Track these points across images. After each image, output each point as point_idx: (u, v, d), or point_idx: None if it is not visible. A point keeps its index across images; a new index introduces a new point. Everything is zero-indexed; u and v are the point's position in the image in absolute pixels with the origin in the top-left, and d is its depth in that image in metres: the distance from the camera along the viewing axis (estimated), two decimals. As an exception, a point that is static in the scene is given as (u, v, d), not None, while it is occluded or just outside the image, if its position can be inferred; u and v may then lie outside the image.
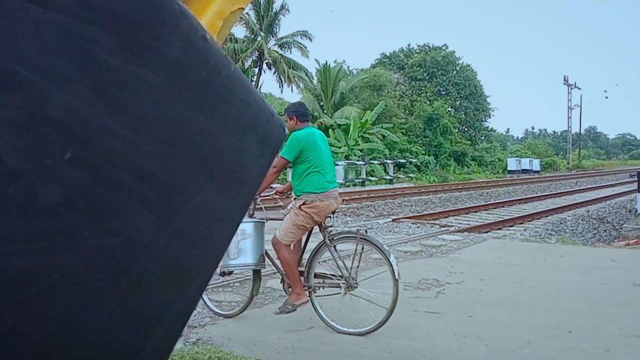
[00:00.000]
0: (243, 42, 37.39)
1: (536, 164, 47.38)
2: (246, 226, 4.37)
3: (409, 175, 30.26)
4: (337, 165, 24.70)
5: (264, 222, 4.58)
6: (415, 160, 31.95)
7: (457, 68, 45.33)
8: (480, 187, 26.39)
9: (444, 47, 46.74)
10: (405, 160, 30.37)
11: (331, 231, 4.55)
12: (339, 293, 4.43)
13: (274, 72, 38.29)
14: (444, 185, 27.18)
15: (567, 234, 10.91)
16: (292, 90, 38.11)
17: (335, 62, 37.71)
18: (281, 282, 4.76)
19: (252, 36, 38.22)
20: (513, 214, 14.39)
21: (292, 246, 4.54)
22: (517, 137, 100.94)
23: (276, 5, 37.51)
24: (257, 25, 37.81)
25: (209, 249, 0.99)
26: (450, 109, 43.01)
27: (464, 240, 9.03)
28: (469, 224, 11.74)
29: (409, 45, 49.48)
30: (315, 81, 37.79)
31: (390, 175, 27.56)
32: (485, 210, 15.49)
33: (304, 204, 4.33)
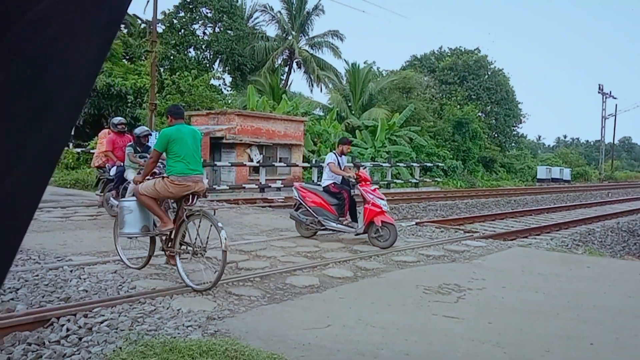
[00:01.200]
0: (274, 41, 37.61)
1: (567, 173, 46.44)
2: (130, 204, 5.85)
3: (436, 179, 29.99)
4: (363, 166, 24.66)
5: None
6: (443, 164, 31.65)
7: (489, 72, 44.78)
8: (508, 194, 25.99)
9: (476, 51, 46.21)
10: (432, 164, 30.14)
11: (189, 209, 5.68)
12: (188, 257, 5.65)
13: (304, 72, 38.45)
14: (470, 190, 26.85)
15: (595, 245, 10.68)
16: (321, 90, 38.17)
17: (365, 62, 37.64)
18: (162, 249, 5.97)
19: (284, 35, 38.43)
20: (540, 222, 14.15)
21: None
22: (548, 145, 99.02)
23: (309, 5, 37.65)
24: (289, 24, 38.00)
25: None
26: (480, 114, 42.49)
27: (488, 246, 8.92)
28: (494, 231, 11.59)
29: (440, 48, 49.11)
30: (344, 81, 37.77)
31: (416, 179, 27.37)
32: (512, 217, 15.26)
33: (167, 177, 5.68)
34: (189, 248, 5.63)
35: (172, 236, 5.75)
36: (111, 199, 9.54)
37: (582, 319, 4.94)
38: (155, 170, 6.31)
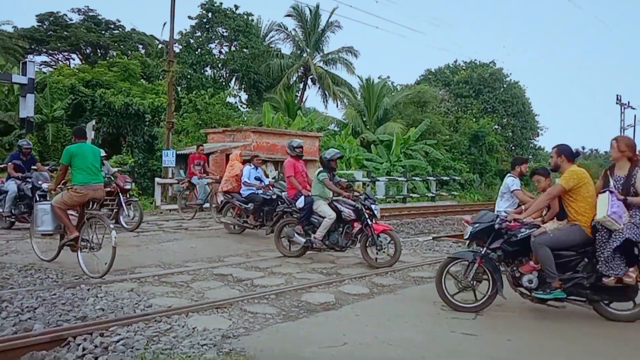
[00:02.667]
0: (289, 58, 37.94)
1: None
2: (46, 207, 7.17)
3: (452, 193, 29.74)
4: (378, 181, 24.56)
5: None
6: (459, 178, 31.40)
7: (505, 85, 44.53)
8: (526, 207, 25.64)
9: (491, 64, 46.05)
10: (448, 178, 29.91)
11: (89, 213, 6.97)
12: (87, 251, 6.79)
13: (319, 88, 38.65)
14: (488, 204, 26.53)
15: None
16: (337, 106, 38.27)
17: (379, 77, 37.72)
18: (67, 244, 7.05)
19: (299, 52, 38.75)
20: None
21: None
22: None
23: (323, 23, 37.97)
24: (303, 42, 38.34)
25: None
26: (496, 127, 42.19)
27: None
28: (512, 245, 11.39)
29: (455, 61, 49.00)
30: (359, 97, 37.86)
31: (433, 193, 27.16)
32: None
33: (72, 188, 6.90)
34: (87, 244, 6.85)
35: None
36: (296, 235, 8.36)
37: (608, 337, 4.81)
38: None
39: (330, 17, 37.40)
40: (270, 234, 9.38)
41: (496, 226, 5.42)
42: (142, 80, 33.39)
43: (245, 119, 30.16)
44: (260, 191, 10.37)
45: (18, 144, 10.77)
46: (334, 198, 8.36)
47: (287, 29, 38.98)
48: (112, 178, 10.94)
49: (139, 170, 22.16)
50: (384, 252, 7.83)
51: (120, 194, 10.89)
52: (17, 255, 7.91)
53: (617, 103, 52.50)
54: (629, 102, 53.07)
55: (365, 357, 4.11)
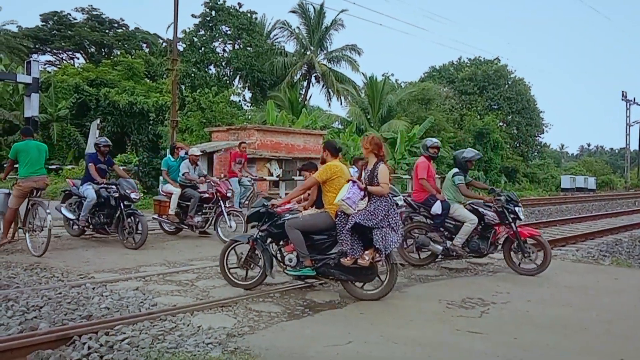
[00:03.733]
0: (293, 56, 37.92)
1: (591, 182, 45.56)
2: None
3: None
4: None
5: (7, 193, 8.17)
6: (464, 175, 31.30)
7: (509, 82, 44.39)
8: (531, 204, 25.57)
9: (495, 61, 45.90)
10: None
11: (33, 200, 8.02)
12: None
13: (323, 86, 38.63)
14: (493, 201, 26.47)
15: (623, 256, 10.39)
16: (341, 104, 38.24)
17: (383, 75, 37.65)
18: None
19: (303, 50, 38.73)
20: (565, 233, 13.86)
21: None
22: (572, 154, 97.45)
23: (327, 20, 37.93)
24: (307, 39, 38.30)
25: None
26: (501, 124, 42.06)
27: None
28: (517, 242, 11.35)
29: (459, 58, 48.92)
30: (362, 94, 37.80)
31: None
32: (536, 228, 14.97)
33: (16, 183, 8.03)
34: (32, 227, 7.93)
35: (24, 218, 8.04)
36: (432, 243, 7.53)
37: (612, 334, 4.79)
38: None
39: (337, 15, 37.39)
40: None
41: (262, 210, 6.05)
42: (146, 79, 33.46)
43: (249, 117, 30.18)
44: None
45: (95, 142, 9.53)
46: (471, 201, 7.80)
47: (291, 27, 38.96)
48: (213, 184, 10.21)
49: (144, 169, 22.16)
50: (530, 259, 7.32)
51: (221, 200, 9.94)
52: (22, 254, 7.93)
53: (622, 99, 52.21)
54: (634, 99, 52.81)
55: (370, 356, 4.09)
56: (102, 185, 9.00)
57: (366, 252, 5.55)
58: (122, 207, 8.85)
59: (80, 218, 8.96)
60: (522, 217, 7.52)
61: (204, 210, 10.08)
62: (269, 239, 6.08)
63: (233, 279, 6.12)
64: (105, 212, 8.97)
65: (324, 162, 6.23)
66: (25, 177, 7.92)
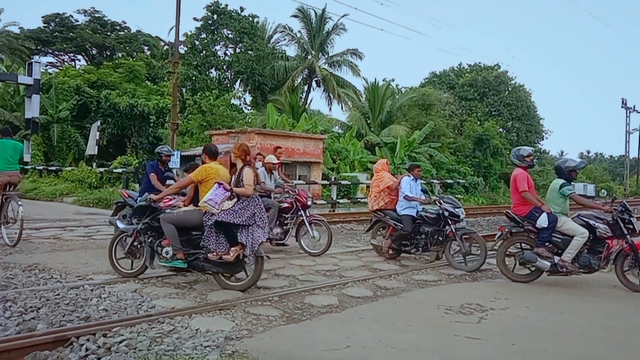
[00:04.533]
0: (294, 60, 37.99)
1: (590, 189, 45.53)
2: None
3: (456, 196, 29.64)
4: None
5: None
6: (464, 181, 31.34)
7: (510, 88, 44.46)
8: (530, 210, 25.52)
9: (496, 67, 46.00)
10: (452, 181, 29.85)
11: (7, 194, 8.72)
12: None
13: (323, 90, 38.68)
14: (492, 207, 26.49)
15: (622, 263, 10.38)
16: (342, 108, 38.28)
17: (384, 80, 37.72)
18: None
19: (304, 54, 38.81)
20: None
21: None
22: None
23: (328, 25, 38.02)
24: (308, 44, 38.39)
25: None
26: (501, 130, 42.10)
27: (510, 265, 8.73)
28: (516, 249, 11.34)
29: (459, 64, 49.00)
30: (363, 99, 37.86)
31: (437, 195, 27.06)
32: (535, 235, 14.93)
33: None
34: (6, 219, 8.70)
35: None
36: (539, 259, 7.06)
37: (611, 341, 4.79)
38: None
39: (339, 19, 37.47)
40: (436, 260, 8.65)
41: (144, 204, 6.46)
42: (147, 81, 33.52)
43: (250, 120, 30.22)
44: (421, 207, 8.80)
45: (157, 150, 8.77)
46: (582, 213, 7.32)
47: (292, 31, 39.06)
48: (292, 193, 9.31)
49: (144, 172, 22.19)
50: None
51: (302, 210, 9.14)
52: (20, 255, 7.93)
53: (622, 107, 52.28)
54: (634, 106, 52.85)
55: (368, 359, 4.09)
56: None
57: (232, 248, 5.98)
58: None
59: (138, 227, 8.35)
60: (637, 228, 6.94)
61: (284, 221, 9.18)
62: (150, 232, 6.44)
63: (119, 268, 6.64)
64: None
65: (203, 164, 6.69)
66: (1, 171, 8.67)
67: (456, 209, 8.29)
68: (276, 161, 9.72)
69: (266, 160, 9.68)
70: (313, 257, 8.72)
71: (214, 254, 6.00)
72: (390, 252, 8.84)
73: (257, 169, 9.79)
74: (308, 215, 9.20)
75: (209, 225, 5.99)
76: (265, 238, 6.25)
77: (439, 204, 8.49)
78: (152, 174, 8.48)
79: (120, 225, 8.14)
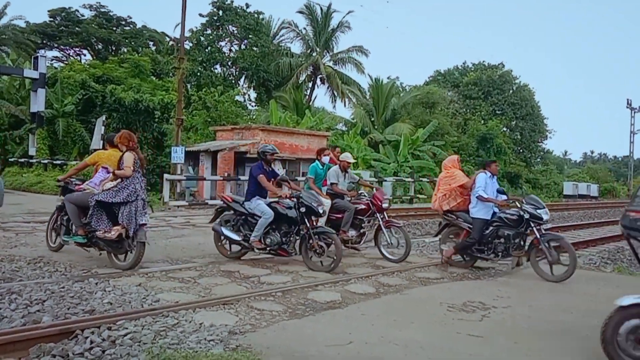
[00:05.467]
0: (299, 57, 37.97)
1: (594, 189, 45.42)
2: None
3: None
4: (385, 181, 24.54)
5: None
6: (467, 179, 31.28)
7: (514, 87, 44.36)
8: (534, 210, 25.48)
9: (500, 66, 45.89)
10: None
11: None
12: None
13: (328, 87, 38.67)
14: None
15: (625, 263, 10.38)
16: (345, 105, 38.27)
17: (388, 78, 37.66)
18: None
19: (308, 51, 38.77)
20: (567, 239, 13.84)
21: None
22: (575, 161, 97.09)
23: (334, 22, 37.98)
24: (313, 41, 38.35)
25: None
26: (505, 129, 42.01)
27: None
28: (519, 248, 11.33)
29: (464, 63, 48.92)
30: (367, 96, 37.83)
31: (513, 196, 26.97)
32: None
33: None
34: None
35: None
36: None
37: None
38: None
39: (344, 17, 37.42)
40: (517, 267, 8.14)
41: (62, 185, 7.44)
42: (152, 77, 33.53)
43: (254, 117, 30.22)
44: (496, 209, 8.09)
45: (262, 149, 8.07)
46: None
47: (297, 27, 39.02)
48: (366, 194, 8.79)
49: (148, 167, 22.23)
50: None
51: (377, 213, 8.55)
52: (26, 248, 7.98)
53: (627, 107, 52.08)
54: (639, 107, 52.62)
55: (371, 357, 4.11)
56: (274, 199, 7.89)
57: (115, 227, 6.60)
58: (308, 224, 7.51)
59: (252, 239, 7.55)
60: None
61: (360, 224, 8.66)
62: (64, 210, 7.25)
63: (49, 243, 7.75)
64: (282, 230, 7.66)
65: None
66: None
67: (538, 210, 7.64)
68: (352, 160, 9.31)
69: (342, 158, 9.19)
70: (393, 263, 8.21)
71: (100, 232, 6.66)
72: (466, 258, 8.18)
73: (322, 166, 9.33)
74: (384, 218, 8.55)
75: (92, 205, 6.67)
76: (146, 221, 6.84)
77: (519, 204, 7.86)
78: (260, 175, 7.79)
79: (226, 232, 7.80)
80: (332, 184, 8.96)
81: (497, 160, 8.41)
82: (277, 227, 7.65)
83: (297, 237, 7.64)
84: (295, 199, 7.62)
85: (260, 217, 7.55)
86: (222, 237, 7.96)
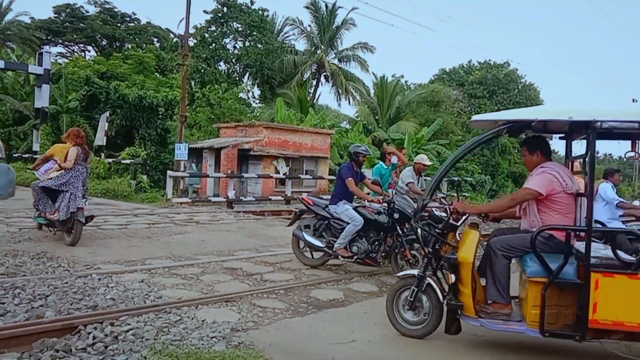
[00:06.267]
0: (303, 55, 37.94)
1: (599, 190, 45.23)
2: None
3: (463, 194, 29.58)
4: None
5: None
6: (471, 179, 31.23)
7: (519, 86, 44.20)
8: (537, 210, 25.42)
9: (505, 65, 45.74)
10: (459, 179, 29.76)
11: None
12: None
13: (332, 85, 38.62)
14: (499, 206, 26.38)
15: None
16: (349, 103, 38.20)
17: (393, 76, 37.59)
18: None
19: (313, 49, 38.74)
20: None
21: None
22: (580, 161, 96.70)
23: (338, 19, 37.93)
24: (318, 38, 38.31)
25: None
26: (509, 129, 41.86)
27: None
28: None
29: (469, 61, 48.77)
30: (372, 94, 37.77)
31: (444, 193, 26.90)
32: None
33: None
34: None
35: None
36: None
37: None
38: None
39: (348, 14, 37.38)
40: None
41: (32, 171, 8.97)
42: (156, 73, 33.57)
43: (258, 114, 30.22)
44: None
45: (354, 150, 7.46)
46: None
47: (302, 24, 38.99)
48: (444, 201, 7.53)
49: (151, 163, 22.27)
50: None
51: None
52: (29, 243, 7.99)
53: (633, 107, 51.74)
54: (645, 107, 52.31)
55: (373, 355, 4.10)
56: (360, 204, 7.33)
57: (57, 210, 7.72)
58: (400, 231, 6.90)
59: (337, 246, 6.99)
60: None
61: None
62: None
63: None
64: (370, 237, 7.08)
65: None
66: None
67: None
68: (428, 162, 8.82)
69: (417, 160, 8.66)
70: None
71: (48, 213, 7.77)
72: None
73: (389, 165, 8.83)
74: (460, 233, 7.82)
75: (37, 191, 7.85)
76: (83, 205, 7.89)
77: None
78: (349, 178, 7.17)
79: (308, 238, 7.26)
80: (409, 183, 8.47)
81: (620, 171, 7.70)
82: (364, 234, 7.05)
83: (386, 245, 7.08)
84: (387, 204, 6.98)
85: (346, 223, 6.98)
86: (302, 243, 7.40)
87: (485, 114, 5.33)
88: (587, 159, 4.28)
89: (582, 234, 3.96)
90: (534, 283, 3.97)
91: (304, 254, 7.53)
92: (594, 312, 3.71)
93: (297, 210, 7.88)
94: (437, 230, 4.63)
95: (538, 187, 4.17)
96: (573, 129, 4.51)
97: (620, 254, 3.84)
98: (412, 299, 4.50)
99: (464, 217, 4.66)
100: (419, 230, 6.20)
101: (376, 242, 7.07)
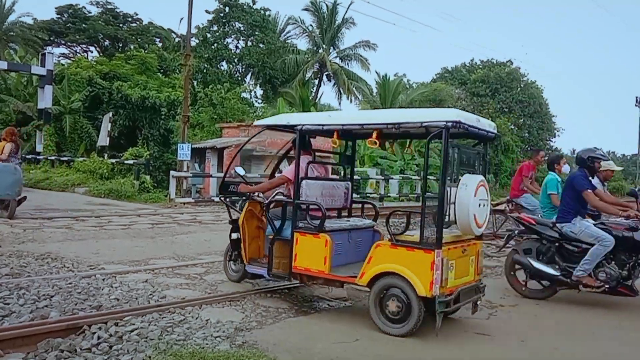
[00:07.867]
0: (305, 54, 37.93)
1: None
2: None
3: None
4: (392, 179, 24.51)
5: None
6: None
7: (522, 85, 44.09)
8: (541, 208, 25.38)
9: (508, 63, 45.64)
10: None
11: None
12: None
13: (334, 84, 38.61)
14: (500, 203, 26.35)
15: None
16: (351, 102, 38.20)
17: (395, 75, 37.55)
18: None
19: (315, 48, 38.73)
20: None
21: None
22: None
23: (339, 18, 37.90)
24: (319, 37, 38.31)
25: None
26: (512, 127, 41.80)
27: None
28: (526, 246, 11.26)
29: (472, 60, 48.69)
30: (374, 93, 37.75)
31: (447, 192, 26.91)
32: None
33: None
34: None
35: None
36: None
37: (621, 339, 4.76)
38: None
39: (346, 12, 37.33)
40: None
41: None
42: (158, 73, 33.59)
43: (260, 114, 30.21)
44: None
45: (587, 154, 6.15)
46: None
47: (304, 24, 38.98)
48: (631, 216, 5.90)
49: (154, 163, 22.29)
50: None
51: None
52: (34, 243, 8.02)
53: (636, 105, 51.68)
54: (648, 105, 52.17)
55: (377, 354, 4.10)
56: (599, 221, 6.14)
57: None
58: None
59: (579, 274, 5.73)
60: None
61: (623, 259, 5.86)
62: None
63: None
64: (623, 259, 5.82)
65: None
66: None
67: None
68: (617, 168, 7.58)
69: (605, 166, 6.71)
70: None
71: None
72: None
73: (563, 173, 7.87)
74: None
75: None
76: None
77: None
78: (587, 191, 5.88)
79: (538, 265, 6.07)
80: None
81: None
82: (613, 256, 5.83)
83: None
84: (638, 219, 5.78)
85: (588, 244, 5.77)
86: (524, 270, 6.27)
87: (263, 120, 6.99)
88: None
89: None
90: (268, 239, 5.51)
91: (519, 280, 6.37)
92: (294, 260, 5.09)
93: (510, 232, 6.95)
94: None
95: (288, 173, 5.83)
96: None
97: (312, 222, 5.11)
98: None
99: None
100: None
101: (627, 266, 5.81)
